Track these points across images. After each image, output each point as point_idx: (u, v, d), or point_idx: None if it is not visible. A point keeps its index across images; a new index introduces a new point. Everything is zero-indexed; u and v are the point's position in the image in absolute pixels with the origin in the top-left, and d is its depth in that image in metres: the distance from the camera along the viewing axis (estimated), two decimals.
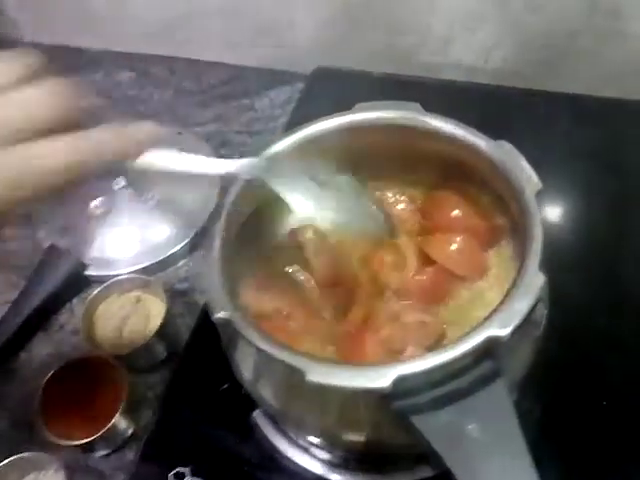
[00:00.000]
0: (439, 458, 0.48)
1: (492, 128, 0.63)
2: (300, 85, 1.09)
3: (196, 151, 0.99)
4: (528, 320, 0.51)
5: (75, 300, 0.92)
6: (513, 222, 0.63)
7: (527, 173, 0.59)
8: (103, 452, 0.77)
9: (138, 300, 0.86)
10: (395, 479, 0.68)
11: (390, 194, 0.73)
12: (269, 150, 0.65)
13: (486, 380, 0.51)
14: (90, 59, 1.23)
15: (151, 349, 0.81)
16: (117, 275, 0.87)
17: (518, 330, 0.50)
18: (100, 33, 1.22)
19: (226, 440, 0.74)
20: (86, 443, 0.72)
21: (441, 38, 1.02)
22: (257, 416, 0.72)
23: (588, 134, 0.92)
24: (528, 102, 0.98)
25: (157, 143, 0.53)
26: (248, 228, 0.67)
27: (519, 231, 0.59)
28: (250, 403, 0.66)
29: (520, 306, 0.51)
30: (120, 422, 0.75)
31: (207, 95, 1.14)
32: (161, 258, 0.93)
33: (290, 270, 0.69)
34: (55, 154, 0.46)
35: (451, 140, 0.64)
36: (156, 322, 0.81)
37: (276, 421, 0.71)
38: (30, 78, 0.47)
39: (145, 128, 0.52)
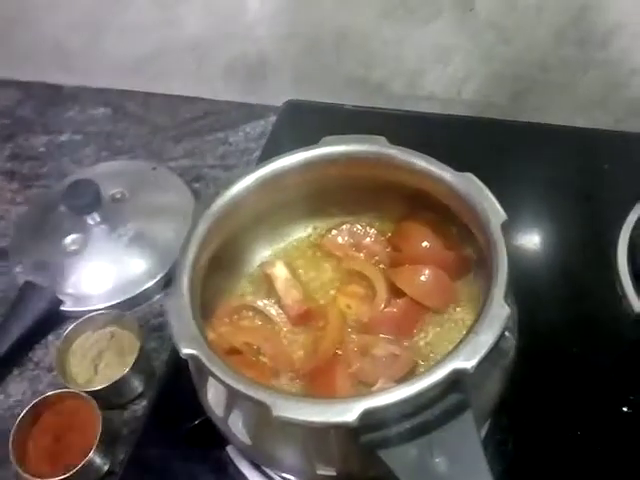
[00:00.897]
0: None
1: (462, 160, 0.64)
2: (274, 118, 1.09)
3: (170, 186, 1.04)
4: (495, 351, 0.51)
5: (50, 336, 0.91)
6: (480, 253, 0.63)
7: (492, 205, 0.59)
8: None
9: (113, 336, 0.86)
10: None
11: (359, 226, 0.74)
12: (235, 186, 0.66)
13: (454, 412, 0.51)
14: (66, 95, 1.23)
15: (126, 385, 0.81)
16: (92, 310, 0.87)
17: (485, 361, 0.50)
18: (75, 69, 1.21)
19: (201, 475, 0.73)
20: None
21: (412, 70, 1.03)
22: (231, 451, 0.71)
23: (558, 163, 0.93)
24: (498, 133, 0.99)
25: None
26: (218, 260, 0.66)
27: (486, 262, 0.60)
28: (224, 438, 0.65)
29: (485, 338, 0.51)
30: (95, 459, 0.74)
31: (181, 130, 1.14)
32: (136, 293, 0.93)
33: (261, 304, 0.69)
34: None
35: (416, 172, 0.64)
36: (131, 358, 0.80)
37: (249, 456, 0.70)
38: None
39: None
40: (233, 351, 0.65)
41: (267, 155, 0.72)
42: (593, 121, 0.97)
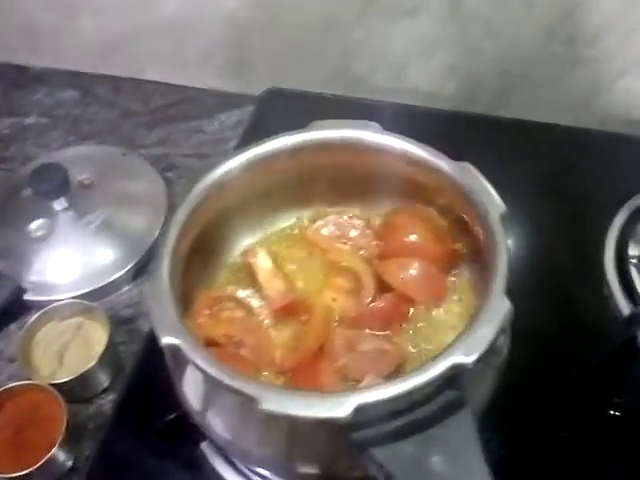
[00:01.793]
0: None
1: (446, 153, 0.63)
2: (251, 108, 1.07)
3: (141, 174, 1.02)
4: (491, 349, 0.50)
5: (13, 326, 0.88)
6: (473, 246, 0.63)
7: (490, 195, 0.58)
8: None
9: (79, 326, 0.83)
10: None
11: (346, 217, 0.72)
12: (218, 169, 0.63)
13: (450, 409, 0.49)
14: (33, 77, 1.20)
15: (92, 377, 0.79)
16: (57, 300, 0.84)
17: (482, 358, 0.49)
18: (44, 50, 1.18)
19: (172, 473, 0.71)
20: (22, 476, 0.69)
21: (396, 62, 1.02)
22: (205, 448, 0.69)
23: (541, 162, 0.92)
24: (482, 128, 0.98)
25: None
26: (198, 248, 0.64)
27: (480, 255, 0.59)
28: (198, 434, 0.63)
29: (486, 332, 0.50)
30: (59, 454, 0.72)
31: (154, 116, 1.12)
32: (104, 283, 0.90)
33: (242, 294, 0.67)
34: None
35: (411, 160, 0.63)
36: (98, 349, 0.78)
37: (225, 453, 0.68)
38: None
39: None
40: (212, 343, 0.63)
41: (245, 143, 0.70)
42: (578, 120, 0.96)
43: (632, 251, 0.81)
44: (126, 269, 0.91)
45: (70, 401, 0.74)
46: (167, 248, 0.59)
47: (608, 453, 0.69)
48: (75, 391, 0.78)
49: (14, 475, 0.69)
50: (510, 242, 0.83)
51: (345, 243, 0.71)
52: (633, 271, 0.79)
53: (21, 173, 1.01)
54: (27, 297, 0.89)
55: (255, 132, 0.99)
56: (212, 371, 0.50)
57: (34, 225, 0.93)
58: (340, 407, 0.46)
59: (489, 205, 0.57)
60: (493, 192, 0.58)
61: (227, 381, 0.49)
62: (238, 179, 0.65)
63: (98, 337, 0.81)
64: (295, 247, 0.72)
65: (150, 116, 1.12)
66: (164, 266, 0.57)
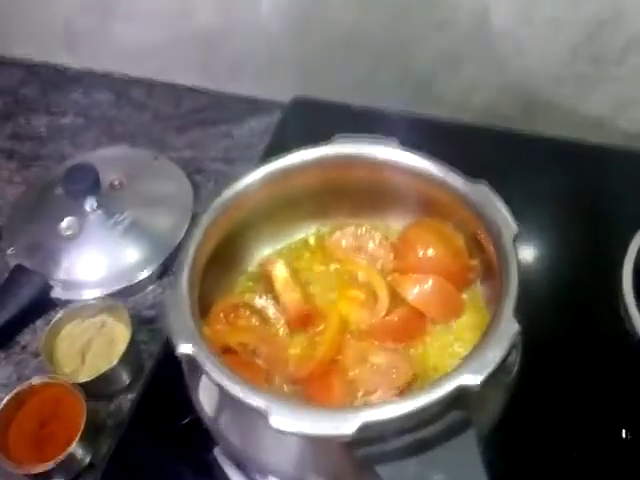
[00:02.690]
0: None
1: (467, 168, 0.63)
2: (279, 114, 1.07)
3: (169, 177, 1.03)
4: (500, 367, 0.50)
5: (39, 322, 0.90)
6: (487, 264, 0.62)
7: (504, 217, 0.58)
8: None
9: (103, 325, 0.84)
10: None
11: (364, 230, 0.72)
12: (241, 181, 0.64)
13: (455, 430, 0.50)
14: (70, 77, 1.22)
15: (113, 376, 0.80)
16: (84, 298, 0.86)
17: (490, 378, 0.49)
18: (82, 51, 1.20)
19: (185, 476, 0.72)
20: (41, 472, 0.70)
21: (423, 74, 1.01)
22: (218, 453, 0.69)
23: (567, 178, 0.91)
24: (506, 144, 0.97)
25: None
26: (218, 256, 0.65)
27: (494, 273, 0.58)
28: (211, 439, 0.64)
29: (493, 354, 0.50)
30: (77, 451, 0.73)
31: (185, 120, 1.13)
32: (129, 283, 0.91)
33: (259, 303, 0.68)
34: None
35: (428, 177, 0.63)
36: (120, 348, 0.79)
37: (237, 460, 0.68)
38: None
39: None
40: (227, 350, 0.63)
41: (271, 151, 0.71)
42: (604, 137, 0.95)
43: None
44: (151, 270, 0.92)
45: (91, 398, 0.75)
46: (188, 258, 0.60)
47: (620, 477, 0.68)
48: (96, 388, 0.79)
49: (34, 471, 0.70)
50: (529, 256, 0.85)
51: (362, 255, 0.71)
52: None
53: (55, 171, 1.03)
54: (54, 294, 0.91)
55: (281, 140, 0.99)
56: (224, 382, 0.51)
57: (64, 223, 0.95)
58: (346, 424, 0.47)
59: (502, 226, 0.57)
60: (507, 213, 0.58)
61: (238, 393, 0.50)
62: (259, 191, 0.66)
63: (121, 336, 0.82)
64: (313, 258, 0.72)
65: (181, 120, 1.13)
66: (184, 275, 0.59)
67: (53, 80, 1.21)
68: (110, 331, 0.84)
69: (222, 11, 1.05)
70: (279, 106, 1.08)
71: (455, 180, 0.61)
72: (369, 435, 0.48)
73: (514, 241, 0.56)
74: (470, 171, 0.63)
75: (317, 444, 0.53)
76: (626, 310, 0.77)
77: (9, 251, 0.96)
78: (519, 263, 0.55)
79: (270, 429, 0.48)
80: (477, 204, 0.60)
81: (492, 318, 0.53)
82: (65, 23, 1.16)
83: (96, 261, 0.93)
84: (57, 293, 0.91)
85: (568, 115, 0.98)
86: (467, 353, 0.51)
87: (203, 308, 0.63)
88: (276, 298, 0.68)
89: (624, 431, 0.70)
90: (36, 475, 0.71)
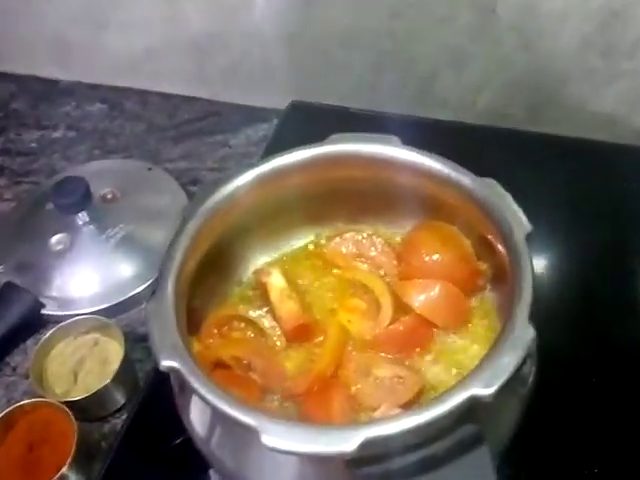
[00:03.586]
0: None
1: (474, 170, 0.60)
2: (277, 122, 1.06)
3: (164, 188, 1.00)
4: (515, 377, 0.47)
5: (30, 342, 0.88)
6: (498, 267, 0.59)
7: (515, 214, 0.55)
8: None
9: (95, 343, 0.82)
10: None
11: (366, 235, 0.69)
12: (230, 184, 0.61)
13: (466, 446, 0.46)
14: (61, 90, 1.21)
15: (107, 396, 0.78)
16: (76, 315, 0.83)
17: (504, 389, 0.46)
18: (73, 64, 1.19)
19: None
20: None
21: (425, 75, 0.99)
22: (213, 474, 0.66)
23: (576, 179, 0.88)
24: (514, 144, 0.94)
25: None
26: (209, 265, 0.62)
27: (505, 277, 0.55)
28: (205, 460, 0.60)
29: (507, 362, 0.46)
30: (69, 475, 0.70)
31: (180, 130, 1.12)
32: (123, 299, 0.89)
33: (254, 314, 0.65)
34: None
35: (432, 176, 0.60)
36: (113, 367, 0.77)
37: None
38: None
39: None
40: (220, 365, 0.61)
41: (267, 156, 0.68)
42: (615, 135, 0.93)
43: None
44: (145, 285, 0.90)
45: (84, 419, 0.74)
46: (173, 264, 0.57)
47: None
48: (89, 409, 0.77)
49: None
50: (541, 262, 0.81)
51: (364, 262, 0.69)
52: None
53: (45, 186, 1.01)
54: (45, 312, 0.89)
55: (278, 146, 0.96)
56: (212, 398, 0.48)
57: (55, 239, 0.93)
58: (346, 441, 0.43)
59: (514, 224, 0.54)
60: (519, 211, 0.55)
61: (228, 410, 0.47)
62: (251, 194, 0.63)
63: (114, 354, 0.80)
64: (311, 266, 0.70)
65: (176, 130, 1.12)
66: (168, 285, 0.56)
67: (44, 93, 1.21)
68: (103, 349, 0.82)
69: (212, 15, 1.04)
70: (276, 113, 1.07)
71: (461, 176, 0.58)
72: (372, 453, 0.44)
73: (527, 240, 0.53)
74: (475, 173, 0.60)
75: (315, 464, 0.49)
76: None
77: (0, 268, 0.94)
78: (532, 263, 0.51)
79: (263, 448, 0.44)
80: (485, 201, 0.57)
81: (505, 323, 0.49)
82: (55, 35, 1.16)
83: (88, 277, 0.91)
84: (48, 310, 0.89)
85: (578, 113, 0.96)
86: (478, 362, 0.47)
87: (197, 321, 0.60)
88: (272, 309, 0.65)
89: None
90: None
